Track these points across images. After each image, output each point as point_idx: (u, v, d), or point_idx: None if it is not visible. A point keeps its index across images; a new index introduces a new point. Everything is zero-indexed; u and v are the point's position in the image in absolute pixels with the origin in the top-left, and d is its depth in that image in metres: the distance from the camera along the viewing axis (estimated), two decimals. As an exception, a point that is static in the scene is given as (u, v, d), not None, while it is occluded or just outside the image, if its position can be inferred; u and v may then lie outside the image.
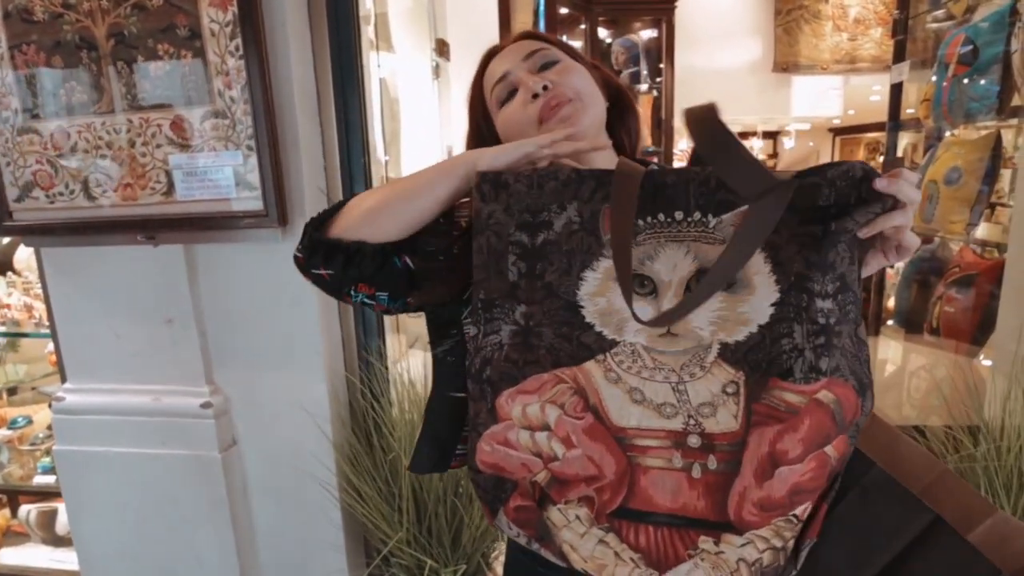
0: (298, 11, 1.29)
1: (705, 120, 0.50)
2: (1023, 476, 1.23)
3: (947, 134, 2.32)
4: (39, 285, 1.89)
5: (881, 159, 2.51)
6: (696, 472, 0.54)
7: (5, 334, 1.73)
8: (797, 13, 4.08)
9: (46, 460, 1.89)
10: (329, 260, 0.61)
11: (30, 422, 2.05)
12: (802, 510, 0.54)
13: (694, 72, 3.98)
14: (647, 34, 3.82)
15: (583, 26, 3.52)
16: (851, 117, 5.12)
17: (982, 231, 2.15)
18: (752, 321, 0.54)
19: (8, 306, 1.74)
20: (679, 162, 4.62)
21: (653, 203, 0.56)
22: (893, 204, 0.51)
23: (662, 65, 3.75)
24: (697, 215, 0.55)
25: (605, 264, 0.57)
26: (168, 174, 1.27)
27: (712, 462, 0.54)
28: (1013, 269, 1.67)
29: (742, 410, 0.53)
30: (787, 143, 4.91)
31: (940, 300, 2.31)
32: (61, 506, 1.94)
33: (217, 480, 1.43)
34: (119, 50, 1.22)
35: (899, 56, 2.30)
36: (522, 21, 2.83)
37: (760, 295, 0.53)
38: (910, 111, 2.43)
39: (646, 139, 0.77)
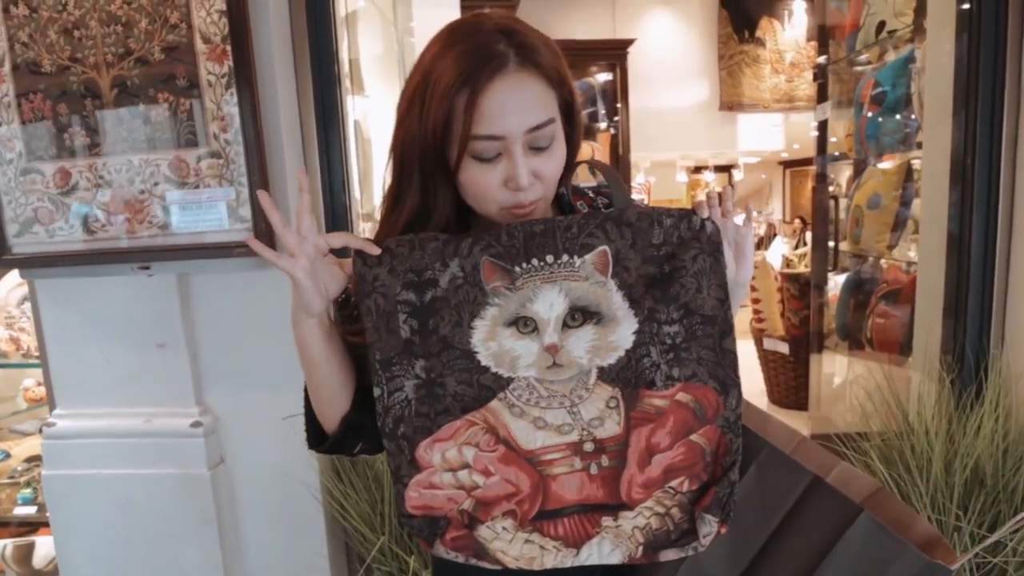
0: (285, 61, 1.44)
1: (606, 168, 0.74)
2: (936, 462, 1.39)
3: (871, 165, 2.58)
4: (23, 319, 1.95)
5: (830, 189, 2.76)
6: (593, 470, 0.68)
7: (-5, 365, 1.78)
8: (739, 57, 4.45)
9: (26, 491, 1.91)
10: (347, 448, 0.74)
11: (8, 456, 2.07)
12: (678, 483, 0.69)
13: (647, 111, 4.28)
14: (603, 77, 4.11)
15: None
16: (797, 151, 5.52)
17: (910, 250, 2.36)
18: (620, 347, 0.67)
19: (-5, 339, 1.80)
20: (638, 194, 4.88)
21: (526, 250, 0.66)
22: (711, 233, 0.68)
23: (618, 105, 4.03)
24: (565, 257, 0.66)
25: (492, 311, 0.66)
26: (165, 209, 1.38)
27: (604, 460, 0.68)
28: (924, 282, 1.88)
29: (623, 418, 0.68)
30: (737, 175, 5.24)
31: (872, 314, 2.53)
32: (40, 539, 1.95)
33: (206, 497, 1.50)
34: (122, 98, 1.34)
35: (822, 96, 2.58)
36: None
37: (624, 326, 0.67)
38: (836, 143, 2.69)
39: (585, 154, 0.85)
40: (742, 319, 4.32)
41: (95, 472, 1.52)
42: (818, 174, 2.74)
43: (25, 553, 1.95)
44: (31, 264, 1.44)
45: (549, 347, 0.67)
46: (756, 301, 3.41)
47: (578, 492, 0.68)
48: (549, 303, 0.66)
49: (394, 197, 0.73)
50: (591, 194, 0.84)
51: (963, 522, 1.34)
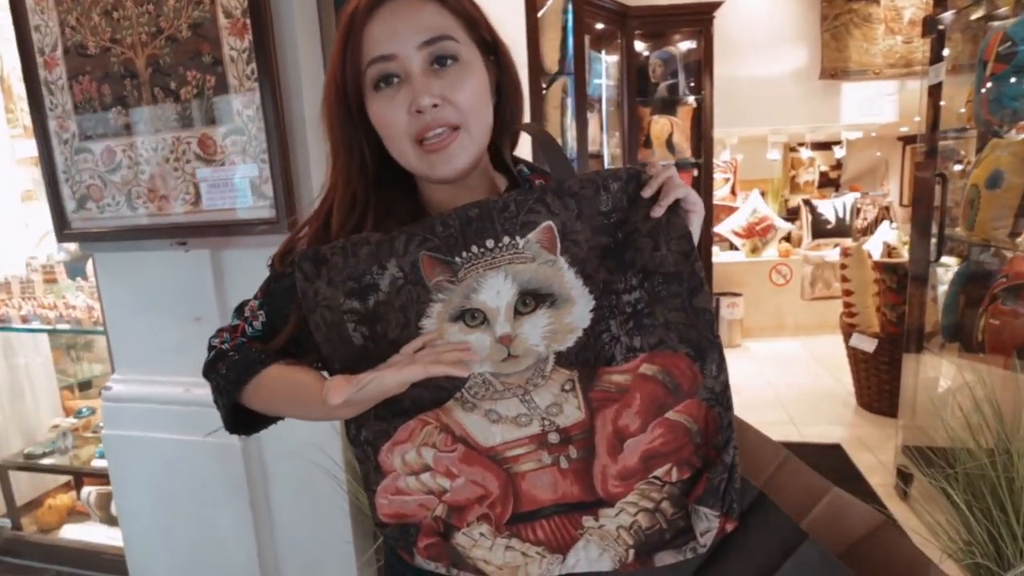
0: (309, 33, 1.42)
1: (543, 133, 0.65)
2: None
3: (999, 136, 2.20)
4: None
5: (958, 168, 2.40)
6: (563, 463, 0.61)
7: (68, 331, 1.95)
8: (846, 17, 3.96)
9: (103, 446, 2.10)
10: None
11: (93, 412, 2.28)
12: (664, 472, 0.60)
13: (735, 82, 3.94)
14: (685, 45, 3.82)
15: (619, 41, 3.56)
16: (920, 124, 4.88)
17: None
18: (578, 327, 0.61)
19: (74, 307, 1.97)
20: (722, 173, 4.55)
21: (464, 238, 0.60)
22: (657, 195, 0.60)
23: (703, 76, 3.73)
24: (506, 239, 0.60)
25: (436, 308, 0.61)
26: (196, 186, 1.42)
27: (572, 452, 0.61)
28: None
29: (582, 401, 0.60)
30: (837, 152, 4.73)
31: (986, 312, 2.18)
32: (117, 489, 2.15)
33: (237, 466, 1.56)
34: (156, 77, 1.38)
35: (936, 56, 2.22)
36: (551, 37, 2.91)
37: (580, 305, 0.61)
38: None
39: (525, 114, 0.73)
40: (832, 311, 3.92)
41: (144, 435, 1.62)
42: (929, 150, 2.38)
43: (106, 500, 2.15)
44: (86, 239, 1.54)
45: (502, 338, 0.60)
46: (848, 293, 3.06)
47: (552, 490, 0.61)
48: (495, 291, 0.60)
49: (333, 168, 0.69)
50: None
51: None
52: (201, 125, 1.38)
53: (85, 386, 2.67)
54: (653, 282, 0.60)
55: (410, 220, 0.66)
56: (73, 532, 2.20)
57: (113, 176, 1.47)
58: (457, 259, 0.60)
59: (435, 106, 0.62)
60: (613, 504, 0.60)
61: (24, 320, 1.97)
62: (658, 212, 0.60)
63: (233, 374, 0.68)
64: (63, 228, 1.54)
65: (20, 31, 1.45)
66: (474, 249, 0.60)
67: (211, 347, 0.73)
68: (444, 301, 0.61)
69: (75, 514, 2.28)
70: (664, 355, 0.60)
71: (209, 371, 0.72)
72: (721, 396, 0.60)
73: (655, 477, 0.60)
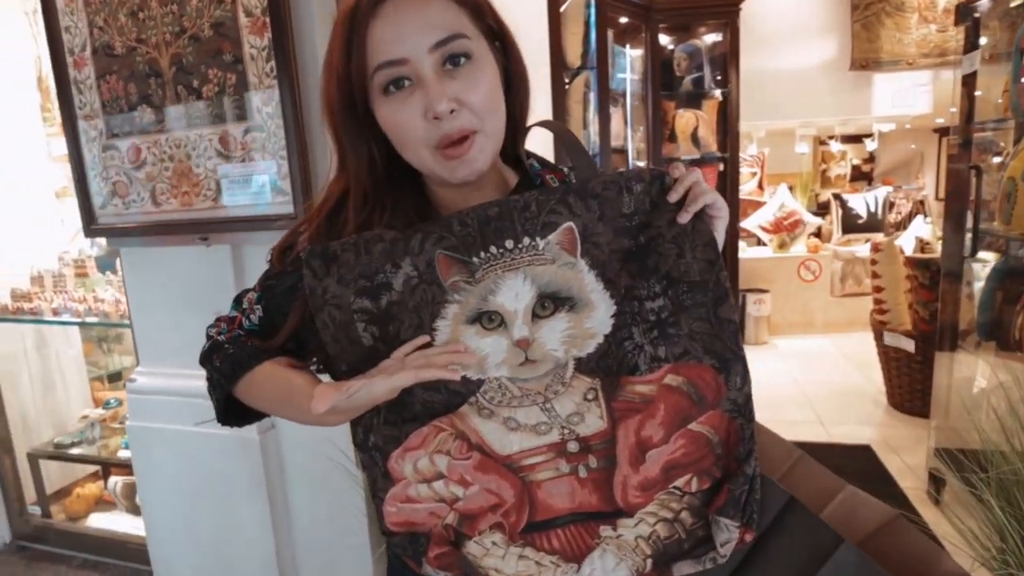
0: (328, 30, 1.42)
1: (565, 131, 0.63)
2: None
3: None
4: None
5: (997, 160, 2.32)
6: (582, 472, 0.59)
7: (95, 324, 2.00)
8: (877, 7, 3.84)
9: (127, 437, 2.15)
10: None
11: (120, 403, 2.34)
12: (684, 482, 0.58)
13: (762, 74, 3.85)
14: (711, 38, 3.75)
15: (643, 35, 3.51)
16: (955, 115, 4.71)
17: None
18: (598, 333, 0.59)
19: (103, 300, 2.02)
20: (748, 167, 4.46)
21: (483, 237, 0.59)
22: (682, 199, 0.59)
23: (728, 69, 3.66)
24: (526, 240, 0.59)
25: (452, 309, 0.60)
26: (217, 182, 1.44)
27: (592, 461, 0.59)
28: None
29: (605, 411, 0.59)
30: (869, 145, 4.60)
31: (1023, 311, 2.10)
32: (144, 479, 2.20)
33: (256, 460, 1.58)
34: (179, 76, 1.40)
35: (971, 45, 2.13)
36: (574, 31, 2.88)
37: (600, 310, 0.59)
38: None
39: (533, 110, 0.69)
40: (862, 308, 3.82)
41: (167, 427, 1.66)
42: (962, 140, 2.30)
43: (132, 490, 2.20)
44: (112, 234, 1.58)
45: (519, 342, 0.59)
46: (879, 290, 2.98)
47: (569, 499, 0.60)
48: (514, 293, 0.59)
49: (338, 168, 0.68)
50: (565, 169, 0.73)
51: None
52: (222, 122, 1.39)
53: (115, 378, 2.74)
54: (678, 290, 0.59)
55: (417, 217, 0.66)
56: (100, 521, 2.26)
57: (138, 172, 1.50)
58: (475, 259, 0.59)
59: (452, 111, 0.59)
60: (632, 514, 0.59)
61: (55, 313, 2.03)
62: (684, 218, 0.59)
63: (227, 368, 0.68)
64: (90, 223, 1.58)
65: (51, 32, 1.48)
66: (493, 249, 0.59)
67: (208, 336, 0.74)
68: (460, 302, 0.60)
69: (102, 503, 2.34)
70: (689, 366, 0.59)
71: (205, 361, 0.72)
72: (744, 408, 0.59)
73: (675, 487, 0.59)
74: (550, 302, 0.59)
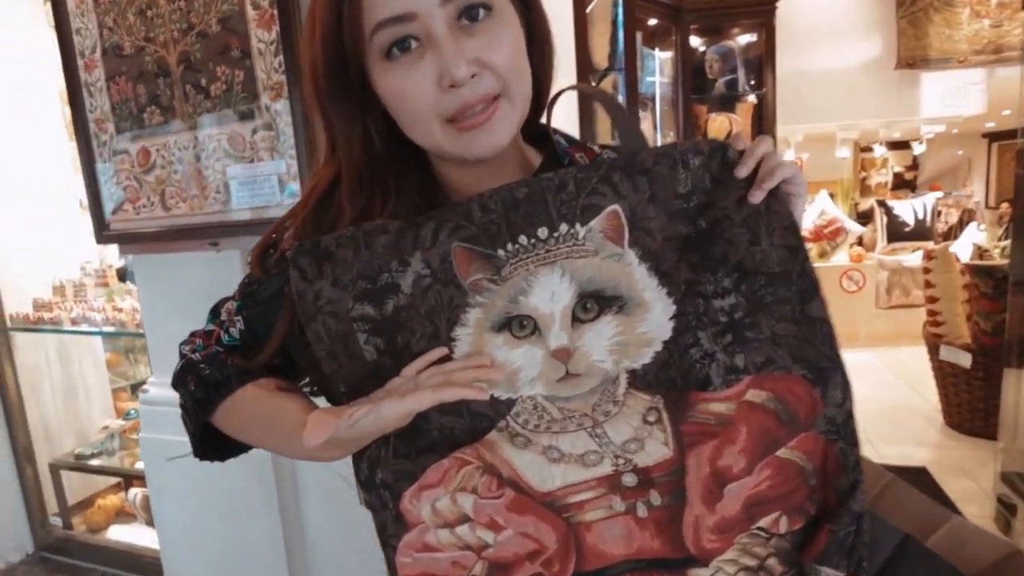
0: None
1: (608, 96, 0.56)
2: None
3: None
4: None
5: None
6: (642, 511, 0.48)
7: (111, 333, 1.98)
8: (925, 2, 3.66)
9: (140, 449, 2.11)
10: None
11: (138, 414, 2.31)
12: (770, 522, 0.47)
13: (800, 76, 3.70)
14: (745, 39, 3.62)
15: (673, 37, 3.40)
16: (1007, 118, 4.44)
17: None
18: (655, 339, 0.49)
19: (120, 310, 1.99)
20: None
21: (510, 226, 0.49)
22: (752, 175, 0.48)
23: (763, 71, 3.52)
24: (564, 227, 0.49)
25: (474, 314, 0.50)
26: (226, 184, 1.38)
27: (655, 497, 0.48)
28: None
29: (671, 435, 0.48)
30: (917, 148, 4.37)
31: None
32: (161, 492, 2.16)
33: (268, 477, 1.50)
34: (187, 75, 1.36)
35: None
36: (600, 32, 2.80)
37: (656, 311, 0.49)
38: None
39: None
40: (911, 320, 3.58)
41: (179, 439, 1.59)
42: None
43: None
44: (123, 240, 1.53)
45: (558, 352, 0.49)
46: (932, 300, 2.77)
47: (625, 544, 0.49)
48: (550, 292, 0.49)
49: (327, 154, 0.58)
50: (596, 148, 0.62)
51: None
52: (230, 121, 1.34)
53: (137, 388, 2.73)
54: (753, 284, 0.48)
55: (424, 203, 0.55)
56: (120, 533, 2.22)
57: (148, 176, 1.46)
58: (500, 252, 0.49)
59: (473, 76, 0.49)
60: (707, 562, 0.48)
61: (74, 322, 2.01)
62: (758, 197, 0.48)
63: (202, 393, 0.58)
64: (102, 230, 1.55)
65: (62, 35, 1.46)
66: (522, 240, 0.49)
67: (181, 355, 0.63)
68: (484, 305, 0.49)
69: (123, 515, 2.31)
70: (775, 378, 0.48)
71: (177, 384, 0.62)
72: (843, 428, 0.47)
73: (760, 528, 0.48)
74: (594, 303, 0.48)
